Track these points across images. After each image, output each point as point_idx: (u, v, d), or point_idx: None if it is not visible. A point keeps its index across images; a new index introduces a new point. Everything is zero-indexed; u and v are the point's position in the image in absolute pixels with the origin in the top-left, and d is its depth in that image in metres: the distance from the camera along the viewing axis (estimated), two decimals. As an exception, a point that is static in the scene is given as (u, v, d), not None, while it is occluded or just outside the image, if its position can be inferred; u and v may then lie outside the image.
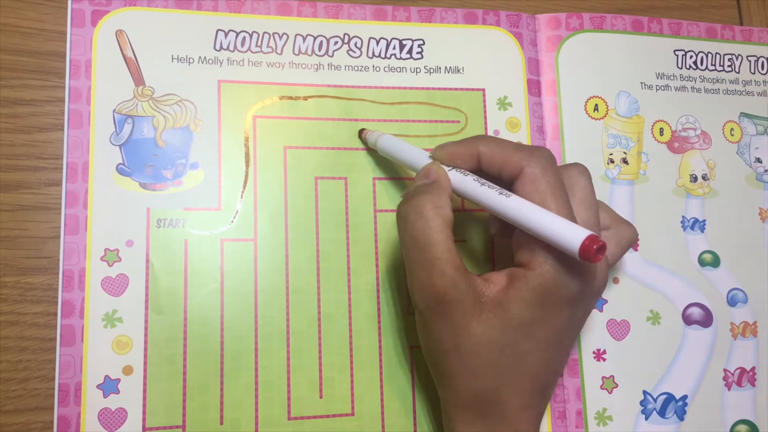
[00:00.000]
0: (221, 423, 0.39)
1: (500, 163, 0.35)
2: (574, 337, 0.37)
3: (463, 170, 0.36)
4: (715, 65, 0.50)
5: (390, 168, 0.44)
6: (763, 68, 0.51)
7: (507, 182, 0.35)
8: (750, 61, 0.51)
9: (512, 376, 0.34)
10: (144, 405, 0.38)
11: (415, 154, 0.39)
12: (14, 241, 0.39)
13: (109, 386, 0.38)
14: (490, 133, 0.45)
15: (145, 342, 0.39)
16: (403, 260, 0.36)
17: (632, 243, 0.40)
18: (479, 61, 0.46)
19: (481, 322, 0.33)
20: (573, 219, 0.34)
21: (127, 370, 0.38)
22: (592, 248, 0.30)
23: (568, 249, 0.31)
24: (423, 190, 0.35)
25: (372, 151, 0.43)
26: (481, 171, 0.37)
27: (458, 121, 0.45)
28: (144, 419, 0.38)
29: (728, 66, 0.51)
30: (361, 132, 0.43)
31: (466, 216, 0.44)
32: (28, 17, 0.41)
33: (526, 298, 0.33)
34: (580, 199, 0.36)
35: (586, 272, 0.34)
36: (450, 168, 0.37)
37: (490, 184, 0.35)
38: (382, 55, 0.45)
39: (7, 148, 0.40)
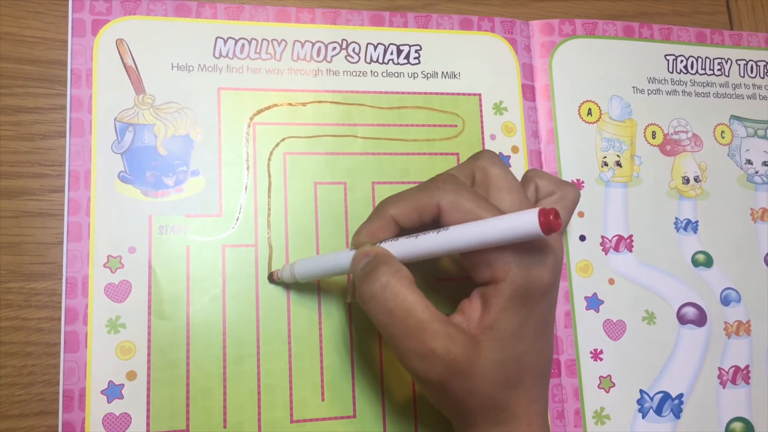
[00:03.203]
0: (224, 426, 0.39)
1: (417, 212, 0.35)
2: (555, 312, 0.37)
3: (389, 239, 0.35)
4: (705, 69, 0.51)
5: (389, 172, 0.44)
6: (752, 72, 0.52)
7: (431, 225, 0.35)
8: (739, 65, 0.52)
9: (516, 380, 0.34)
10: (148, 410, 0.38)
11: (337, 255, 0.38)
12: (18, 247, 0.39)
13: (113, 391, 0.38)
14: (487, 138, 0.46)
15: (149, 347, 0.39)
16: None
17: (576, 202, 0.40)
18: (475, 67, 0.47)
19: (482, 354, 0.33)
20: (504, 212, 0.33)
21: (131, 376, 0.39)
22: (550, 219, 0.29)
23: (530, 235, 0.30)
24: (375, 264, 0.34)
25: (369, 156, 0.44)
26: (403, 231, 0.36)
27: (455, 126, 0.45)
28: (148, 424, 0.38)
29: (718, 70, 0.51)
30: (270, 276, 0.41)
31: None
32: (31, 26, 0.42)
33: (508, 307, 0.33)
34: (499, 188, 0.35)
35: (547, 256, 0.33)
36: (377, 244, 0.36)
37: (422, 232, 0.34)
38: (380, 60, 0.45)
39: (11, 155, 0.40)
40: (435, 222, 0.35)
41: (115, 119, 0.41)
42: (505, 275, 0.33)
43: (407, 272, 0.33)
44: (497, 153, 0.38)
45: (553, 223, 0.29)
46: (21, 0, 0.42)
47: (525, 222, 0.30)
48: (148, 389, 0.39)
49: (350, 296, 0.41)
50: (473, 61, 0.47)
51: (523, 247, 0.32)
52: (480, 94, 0.46)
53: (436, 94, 0.46)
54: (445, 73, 0.46)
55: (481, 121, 0.46)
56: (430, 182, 0.36)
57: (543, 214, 0.29)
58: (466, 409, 0.34)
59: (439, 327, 0.32)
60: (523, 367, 0.34)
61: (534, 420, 0.35)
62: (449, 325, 0.32)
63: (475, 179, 0.37)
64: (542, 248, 0.33)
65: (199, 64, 0.43)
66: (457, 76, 0.46)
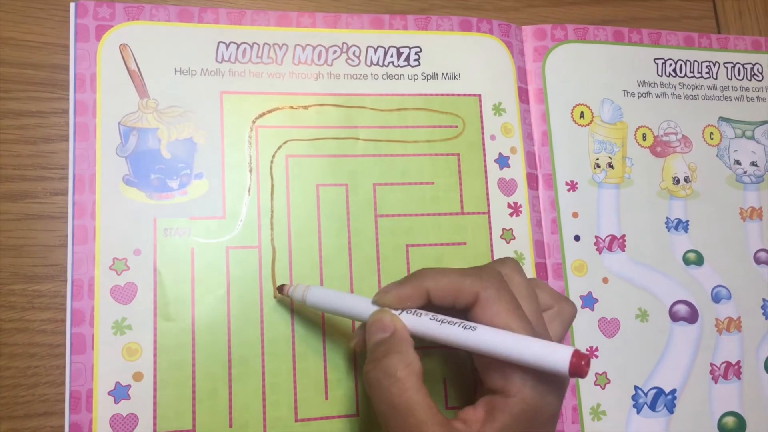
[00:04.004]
0: (230, 426, 0.39)
1: (453, 294, 0.34)
2: None
3: (414, 310, 0.35)
4: (693, 72, 0.52)
5: (390, 174, 0.44)
6: (739, 74, 0.53)
7: (461, 311, 0.35)
8: (727, 68, 0.53)
9: None
10: (154, 410, 0.39)
11: (356, 303, 0.37)
12: (21, 249, 0.40)
13: (120, 392, 0.38)
14: (487, 138, 0.46)
15: (155, 348, 0.39)
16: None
17: (573, 319, 0.39)
18: (475, 68, 0.47)
19: None
20: (536, 333, 0.33)
21: (138, 377, 0.39)
22: (581, 364, 0.29)
23: (556, 371, 0.30)
24: (388, 349, 0.33)
25: (370, 157, 0.44)
26: (429, 305, 0.35)
27: (456, 126, 0.46)
28: (155, 424, 0.38)
29: (706, 73, 0.53)
30: (281, 288, 0.40)
31: None
32: (33, 31, 0.42)
33: (513, 425, 0.32)
34: (522, 296, 0.35)
35: (562, 385, 0.34)
36: (400, 311, 0.35)
37: (449, 319, 0.34)
38: (380, 63, 0.46)
39: (14, 159, 0.40)
40: (465, 310, 0.35)
41: (119, 123, 0.41)
42: (517, 391, 0.32)
43: (418, 365, 0.33)
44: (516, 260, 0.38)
45: (582, 369, 0.29)
46: (23, 5, 0.42)
47: (556, 356, 0.30)
48: (155, 390, 0.39)
49: (354, 341, 0.38)
50: (473, 63, 0.47)
51: (543, 370, 0.32)
52: (480, 95, 0.47)
53: (437, 95, 0.46)
54: (445, 74, 0.47)
55: (481, 122, 0.46)
56: (474, 270, 0.35)
57: (577, 356, 0.29)
58: None
59: (438, 430, 0.31)
60: None
61: None
62: (448, 429, 0.31)
63: None
64: (560, 377, 0.32)
65: (202, 69, 0.43)
66: (457, 77, 0.47)
